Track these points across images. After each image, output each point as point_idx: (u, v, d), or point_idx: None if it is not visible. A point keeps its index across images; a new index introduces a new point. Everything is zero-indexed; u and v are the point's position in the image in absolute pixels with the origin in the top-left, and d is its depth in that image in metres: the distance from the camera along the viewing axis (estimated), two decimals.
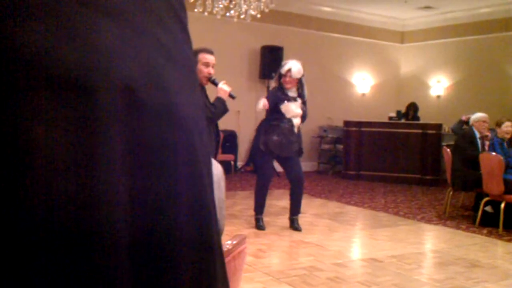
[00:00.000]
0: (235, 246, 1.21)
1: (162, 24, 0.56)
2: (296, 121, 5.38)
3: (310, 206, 7.11)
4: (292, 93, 5.34)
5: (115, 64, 0.49)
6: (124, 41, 0.51)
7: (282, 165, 5.58)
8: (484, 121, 6.79)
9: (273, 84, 5.55)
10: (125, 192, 0.49)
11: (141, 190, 0.51)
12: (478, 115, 6.85)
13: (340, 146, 10.86)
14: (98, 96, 0.47)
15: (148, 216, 0.51)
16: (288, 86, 5.30)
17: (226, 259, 1.15)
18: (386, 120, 10.69)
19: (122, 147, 0.49)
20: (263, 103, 5.23)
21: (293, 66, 5.28)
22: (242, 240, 1.26)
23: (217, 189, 1.13)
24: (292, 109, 5.32)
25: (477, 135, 6.72)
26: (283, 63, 5.48)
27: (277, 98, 5.31)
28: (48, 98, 0.45)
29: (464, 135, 6.84)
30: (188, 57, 0.60)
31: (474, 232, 5.97)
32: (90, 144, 0.47)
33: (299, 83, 5.36)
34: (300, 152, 5.49)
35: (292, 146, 5.37)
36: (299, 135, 5.45)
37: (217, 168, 1.19)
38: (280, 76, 5.37)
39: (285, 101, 5.29)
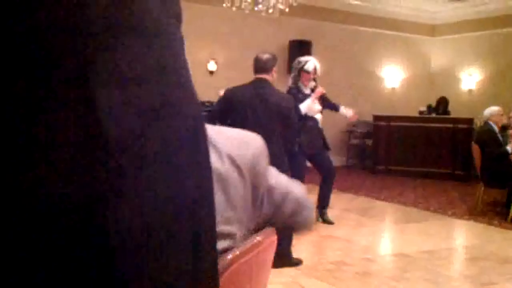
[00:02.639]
0: (264, 239, 1.22)
1: None
2: (318, 117, 5.37)
3: (338, 200, 7.07)
4: (307, 90, 5.35)
5: None
6: None
7: (312, 161, 5.56)
8: (501, 114, 6.73)
9: (290, 82, 5.47)
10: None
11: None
12: (493, 109, 6.77)
13: (369, 141, 10.78)
14: None
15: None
16: (306, 83, 5.30)
17: (256, 251, 1.16)
18: (416, 114, 10.56)
19: None
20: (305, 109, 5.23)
21: (316, 64, 5.28)
22: (271, 233, 1.26)
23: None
24: (313, 107, 5.32)
25: (496, 129, 6.60)
26: (301, 60, 5.40)
27: (297, 100, 5.31)
28: None
29: (483, 133, 6.70)
30: None
31: (506, 228, 5.87)
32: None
33: (315, 80, 5.42)
34: (326, 146, 5.48)
35: (318, 142, 5.38)
36: (321, 130, 5.48)
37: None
38: (299, 73, 5.32)
39: (305, 101, 5.28)
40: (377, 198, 7.46)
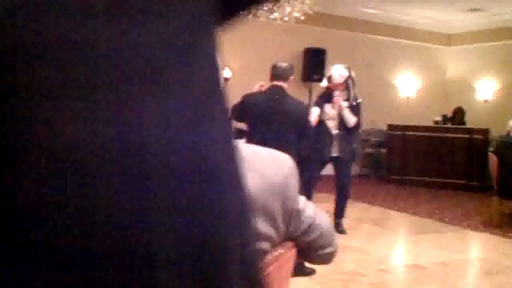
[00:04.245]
0: (286, 252, 1.22)
1: None
2: (331, 123, 5.29)
3: (352, 210, 7.02)
4: (336, 96, 5.28)
5: None
6: None
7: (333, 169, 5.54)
8: None
9: (322, 91, 5.50)
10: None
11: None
12: None
13: (383, 150, 10.72)
14: None
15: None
16: (335, 89, 5.27)
17: (277, 264, 1.16)
18: (431, 124, 10.49)
19: None
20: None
21: (334, 72, 5.26)
22: (291, 246, 1.26)
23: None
24: (325, 112, 5.27)
25: None
26: (330, 67, 5.45)
27: (318, 103, 5.30)
28: None
29: (503, 143, 6.58)
30: None
31: None
32: None
33: (346, 86, 5.30)
34: (343, 157, 5.36)
35: (328, 149, 5.28)
36: (339, 138, 5.31)
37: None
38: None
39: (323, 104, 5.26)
40: (392, 209, 7.41)
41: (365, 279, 4.21)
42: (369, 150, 11.04)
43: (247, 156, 1.09)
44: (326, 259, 1.35)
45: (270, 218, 1.10)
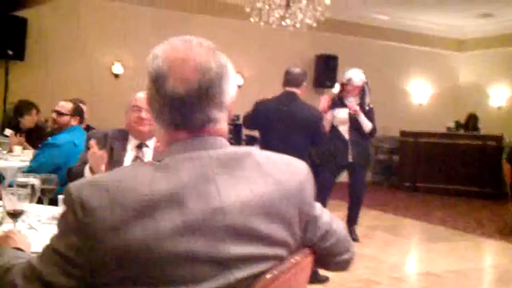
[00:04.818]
0: (302, 259, 1.22)
1: None
2: (342, 128, 5.23)
3: (365, 218, 6.98)
4: (350, 101, 5.23)
5: None
6: None
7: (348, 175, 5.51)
8: None
9: (335, 97, 5.41)
10: None
11: None
12: None
13: (396, 157, 10.66)
14: None
15: None
16: (349, 94, 5.22)
17: (294, 271, 1.16)
18: (443, 130, 10.42)
19: None
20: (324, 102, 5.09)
21: (353, 75, 5.22)
22: (308, 253, 1.26)
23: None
24: (337, 116, 5.23)
25: None
26: (344, 73, 5.41)
27: (331, 106, 5.24)
28: None
29: None
30: None
31: None
32: None
33: (362, 91, 5.27)
34: (358, 163, 5.32)
35: (343, 155, 5.23)
36: (352, 143, 5.25)
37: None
38: (343, 85, 5.32)
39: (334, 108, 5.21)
40: (405, 216, 7.36)
41: (379, 287, 4.18)
42: (381, 157, 10.99)
43: (262, 162, 1.10)
44: (344, 266, 1.34)
45: (287, 224, 1.11)
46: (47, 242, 1.06)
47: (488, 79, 11.88)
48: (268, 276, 1.07)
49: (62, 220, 1.02)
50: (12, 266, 1.10)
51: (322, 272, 4.20)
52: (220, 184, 1.02)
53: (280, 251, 1.10)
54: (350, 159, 5.25)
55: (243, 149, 1.11)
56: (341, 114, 5.23)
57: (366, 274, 4.51)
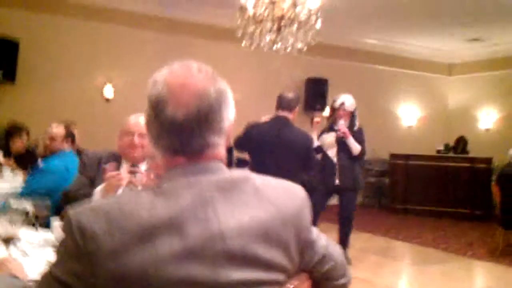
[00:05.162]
0: (300, 284, 1.22)
1: None
2: (330, 152, 5.28)
3: (356, 240, 6.98)
4: (340, 124, 5.27)
5: None
6: None
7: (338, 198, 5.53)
8: None
9: (326, 124, 5.47)
10: None
11: None
12: None
13: (385, 179, 10.70)
14: None
15: None
16: (341, 119, 5.26)
17: None
18: (433, 153, 10.49)
19: None
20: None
21: (346, 99, 5.28)
22: (305, 278, 1.27)
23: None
24: (326, 140, 5.28)
25: None
26: (335, 98, 5.46)
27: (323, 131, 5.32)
28: None
29: (505, 173, 6.49)
30: None
31: None
32: None
33: (352, 116, 5.34)
34: (346, 186, 5.34)
35: (331, 178, 5.26)
36: (340, 167, 5.27)
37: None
38: (333, 110, 5.36)
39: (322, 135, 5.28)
40: (396, 238, 7.36)
41: None
42: (371, 179, 11.02)
43: (260, 187, 1.11)
44: None
45: (285, 249, 1.11)
46: (45, 269, 1.06)
47: (477, 102, 12.02)
48: None
49: (61, 247, 1.02)
50: None
51: None
52: (219, 209, 1.03)
53: (278, 276, 1.10)
54: (337, 182, 5.29)
55: (241, 173, 1.12)
56: (329, 138, 5.29)
57: None
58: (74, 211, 1.00)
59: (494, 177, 7.94)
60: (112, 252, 0.95)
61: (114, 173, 2.42)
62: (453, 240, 7.33)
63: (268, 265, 1.07)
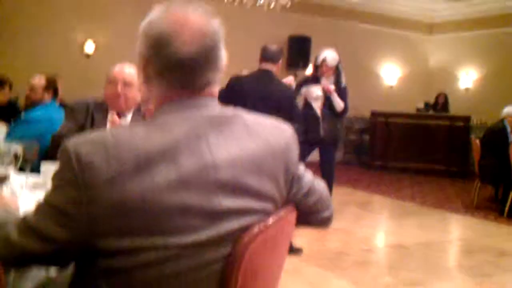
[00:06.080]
0: (287, 214, 1.28)
1: None
2: (316, 105, 5.17)
3: (336, 194, 7.08)
4: (325, 81, 5.18)
5: None
6: None
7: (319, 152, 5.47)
8: None
9: (308, 75, 5.33)
10: None
11: None
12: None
13: (366, 137, 10.85)
14: None
15: None
16: (325, 75, 5.17)
17: (279, 225, 1.23)
18: (414, 111, 10.62)
19: None
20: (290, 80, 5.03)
21: (327, 54, 5.15)
22: (292, 209, 1.32)
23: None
24: (311, 92, 5.15)
25: (509, 129, 6.54)
26: (318, 53, 5.32)
27: (303, 83, 5.17)
28: None
29: (494, 131, 6.62)
30: None
31: (502, 222, 5.96)
32: None
33: (337, 71, 5.20)
34: (328, 140, 5.29)
35: (315, 130, 5.18)
36: (323, 120, 5.19)
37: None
38: (317, 67, 5.24)
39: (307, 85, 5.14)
40: (375, 193, 7.54)
41: (350, 258, 4.32)
42: (352, 137, 11.16)
43: (250, 123, 1.16)
44: (325, 223, 1.42)
45: (274, 180, 1.17)
46: (40, 199, 1.08)
47: (457, 62, 12.13)
48: (255, 228, 1.14)
49: (58, 175, 1.04)
50: (5, 223, 1.10)
51: (296, 244, 4.32)
52: (211, 142, 1.07)
53: (267, 206, 1.16)
54: (322, 134, 5.18)
55: (232, 110, 1.16)
56: (316, 91, 5.16)
57: (338, 246, 4.65)
58: (71, 141, 1.03)
59: (473, 135, 8.10)
60: (109, 180, 0.98)
61: (116, 118, 2.46)
62: (431, 195, 7.53)
63: (258, 194, 1.13)
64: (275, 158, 1.17)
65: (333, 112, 5.20)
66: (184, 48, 1.07)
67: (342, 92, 5.16)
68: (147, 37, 1.10)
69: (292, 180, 1.25)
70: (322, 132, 5.18)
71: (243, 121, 1.15)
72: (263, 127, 1.19)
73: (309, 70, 5.42)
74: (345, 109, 5.21)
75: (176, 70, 1.08)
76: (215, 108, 1.13)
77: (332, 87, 5.10)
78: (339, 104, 5.13)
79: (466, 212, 6.41)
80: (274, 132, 1.20)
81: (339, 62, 5.17)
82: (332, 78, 5.17)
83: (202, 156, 1.05)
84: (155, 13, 1.12)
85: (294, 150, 1.24)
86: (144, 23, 1.12)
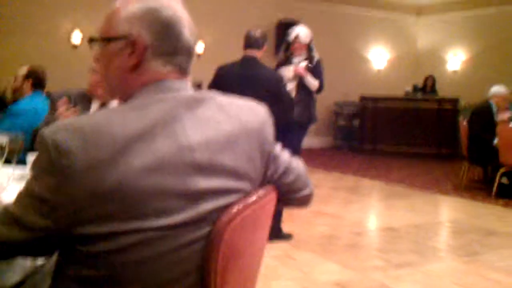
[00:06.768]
0: (266, 194, 1.29)
1: None
2: (290, 86, 4.95)
3: (326, 179, 7.20)
4: (295, 63, 5.03)
5: None
6: None
7: None
8: (504, 98, 6.54)
9: (281, 56, 5.05)
10: None
11: None
12: (498, 89, 6.61)
13: (356, 122, 10.88)
14: None
15: None
16: (297, 53, 4.88)
17: (258, 205, 1.24)
18: (402, 94, 10.67)
19: None
20: None
21: (300, 31, 4.98)
22: (272, 189, 1.34)
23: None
24: (285, 75, 4.91)
25: (495, 110, 6.54)
26: (289, 31, 5.14)
27: (276, 67, 4.99)
28: None
29: (479, 113, 6.61)
30: None
31: (490, 203, 6.02)
32: None
33: (308, 48, 5.03)
34: (300, 120, 5.06)
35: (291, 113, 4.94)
36: (296, 102, 4.95)
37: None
38: (288, 45, 5.05)
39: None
40: (364, 177, 7.59)
41: (341, 242, 4.36)
42: (342, 122, 11.19)
43: (226, 104, 1.18)
44: (305, 201, 1.44)
45: (250, 160, 1.19)
46: (21, 188, 1.08)
47: (445, 44, 12.16)
48: (234, 208, 1.15)
49: (37, 164, 1.04)
50: None
51: (285, 229, 4.35)
52: (186, 124, 1.09)
53: (244, 185, 1.18)
54: (295, 115, 4.95)
55: (206, 92, 1.19)
56: (288, 72, 4.95)
57: (328, 230, 4.69)
58: (48, 129, 1.03)
59: (461, 117, 8.14)
60: (87, 167, 0.99)
61: (62, 109, 2.46)
62: (419, 178, 7.59)
63: (234, 174, 1.15)
64: (250, 137, 1.19)
65: (308, 92, 4.94)
66: (191, 36, 1.18)
67: (317, 66, 4.91)
68: (150, 23, 1.13)
69: (268, 159, 1.26)
70: (295, 114, 4.92)
71: (217, 103, 1.18)
72: (237, 108, 1.21)
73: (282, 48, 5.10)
74: (321, 86, 4.96)
75: (182, 54, 1.17)
76: (188, 90, 1.16)
77: (304, 63, 4.87)
78: (313, 84, 4.88)
79: (455, 194, 6.47)
80: (248, 113, 1.22)
81: (311, 39, 4.96)
82: (304, 55, 4.93)
83: (177, 138, 1.07)
84: (152, 2, 1.15)
85: (269, 130, 1.26)
86: (139, 11, 1.14)
